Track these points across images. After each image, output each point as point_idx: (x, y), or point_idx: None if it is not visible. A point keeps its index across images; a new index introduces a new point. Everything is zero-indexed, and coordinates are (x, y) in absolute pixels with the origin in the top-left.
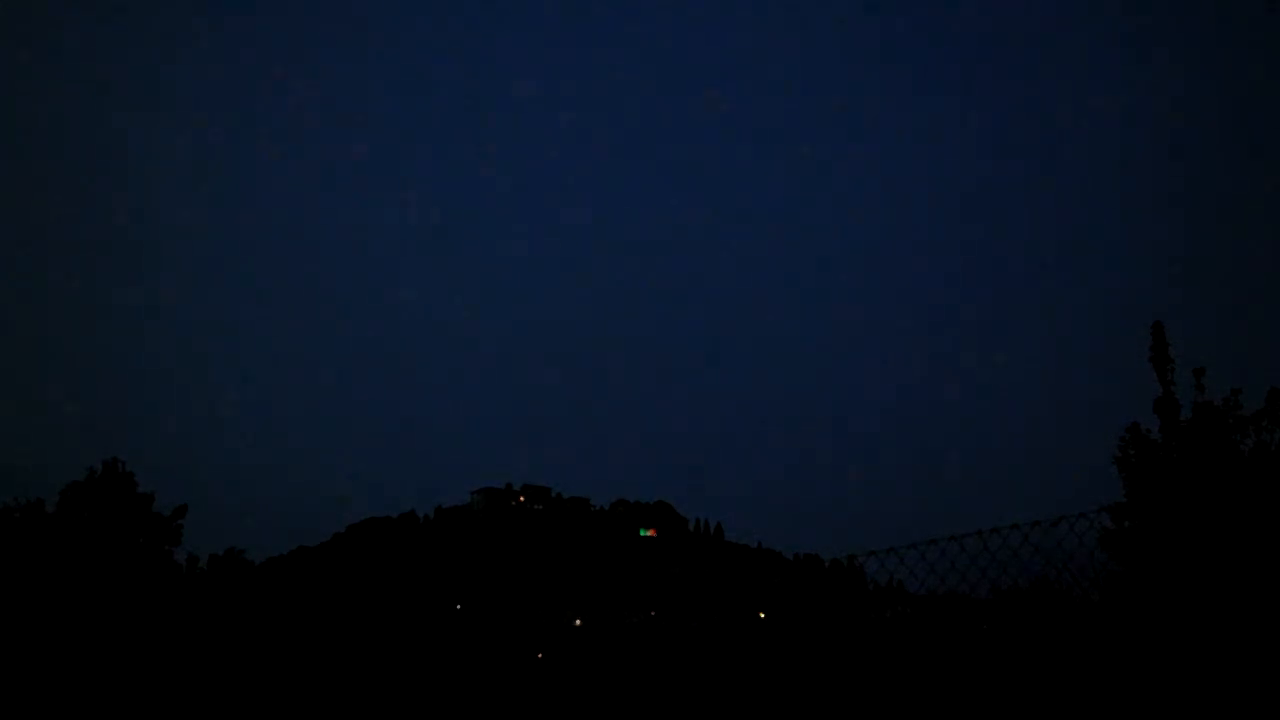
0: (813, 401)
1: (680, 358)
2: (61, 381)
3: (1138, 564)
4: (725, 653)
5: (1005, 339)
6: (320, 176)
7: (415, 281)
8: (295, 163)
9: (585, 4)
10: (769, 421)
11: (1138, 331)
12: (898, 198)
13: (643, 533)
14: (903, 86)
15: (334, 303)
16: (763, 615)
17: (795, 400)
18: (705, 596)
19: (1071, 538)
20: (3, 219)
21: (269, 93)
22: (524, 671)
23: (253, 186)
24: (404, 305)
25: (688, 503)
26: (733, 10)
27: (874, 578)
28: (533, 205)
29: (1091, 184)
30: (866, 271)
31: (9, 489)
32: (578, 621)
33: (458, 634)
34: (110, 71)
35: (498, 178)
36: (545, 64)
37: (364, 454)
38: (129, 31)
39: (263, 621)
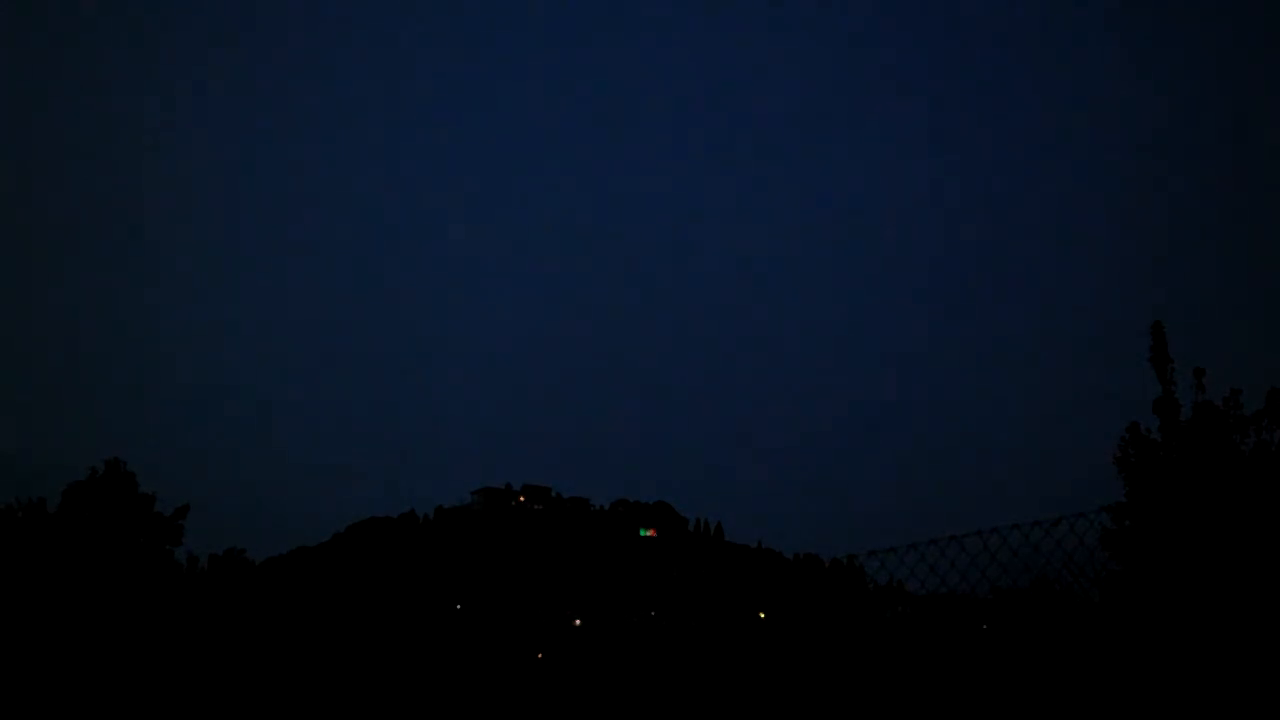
0: (813, 401)
1: (681, 358)
2: (63, 381)
3: (1138, 564)
4: (725, 653)
5: (1005, 338)
6: (322, 180)
7: (416, 283)
8: (298, 165)
9: (592, 17)
10: (769, 421)
11: (1138, 331)
12: (899, 197)
13: (643, 533)
14: (902, 86)
15: (335, 303)
16: (763, 615)
17: (795, 400)
18: (705, 596)
19: (1071, 538)
20: (7, 220)
21: (274, 100)
22: (524, 671)
23: (256, 190)
24: (405, 306)
25: (688, 503)
26: (736, 16)
27: (874, 578)
28: (535, 209)
29: (1092, 184)
30: (866, 273)
31: (11, 488)
32: (578, 621)
33: (458, 634)
34: (119, 77)
35: (500, 182)
36: (549, 69)
37: (364, 454)
38: (144, 41)
39: (263, 621)
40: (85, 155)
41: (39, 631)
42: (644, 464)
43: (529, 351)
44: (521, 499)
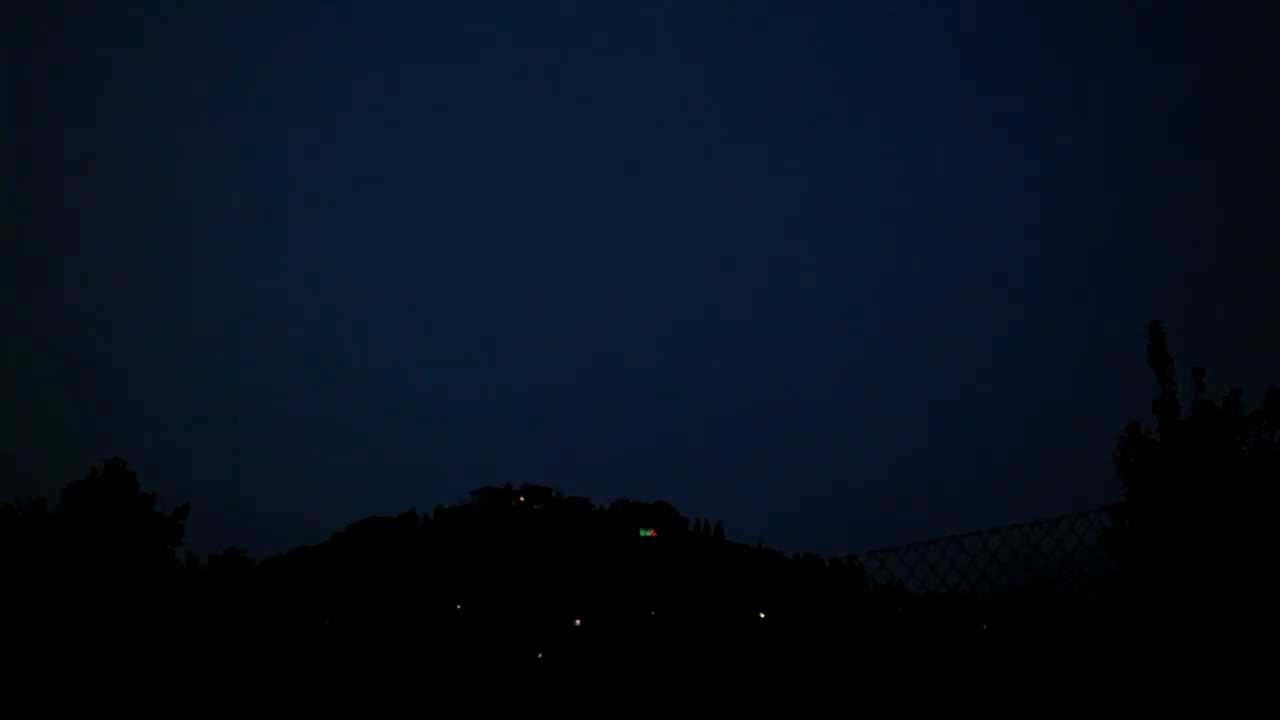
0: (813, 401)
1: (681, 358)
2: (63, 381)
3: (1138, 564)
4: (725, 653)
5: (1005, 338)
6: (321, 179)
7: (417, 283)
8: (298, 165)
9: (591, 17)
10: (769, 421)
11: (1138, 332)
12: (900, 200)
13: (643, 533)
14: (901, 85)
15: (335, 303)
16: (763, 615)
17: (795, 399)
18: (705, 596)
19: (1071, 538)
20: (8, 221)
21: (274, 99)
22: (524, 672)
23: (256, 189)
24: (406, 308)
25: (688, 503)
26: (735, 14)
27: (874, 578)
28: (534, 209)
29: (1091, 184)
30: (864, 271)
31: (11, 488)
32: (578, 621)
33: (458, 634)
34: (119, 77)
35: (500, 182)
36: (548, 69)
37: (364, 453)
38: (144, 41)
39: (263, 621)
40: (85, 155)
41: (39, 631)
42: (644, 464)
43: (529, 351)
44: (521, 499)
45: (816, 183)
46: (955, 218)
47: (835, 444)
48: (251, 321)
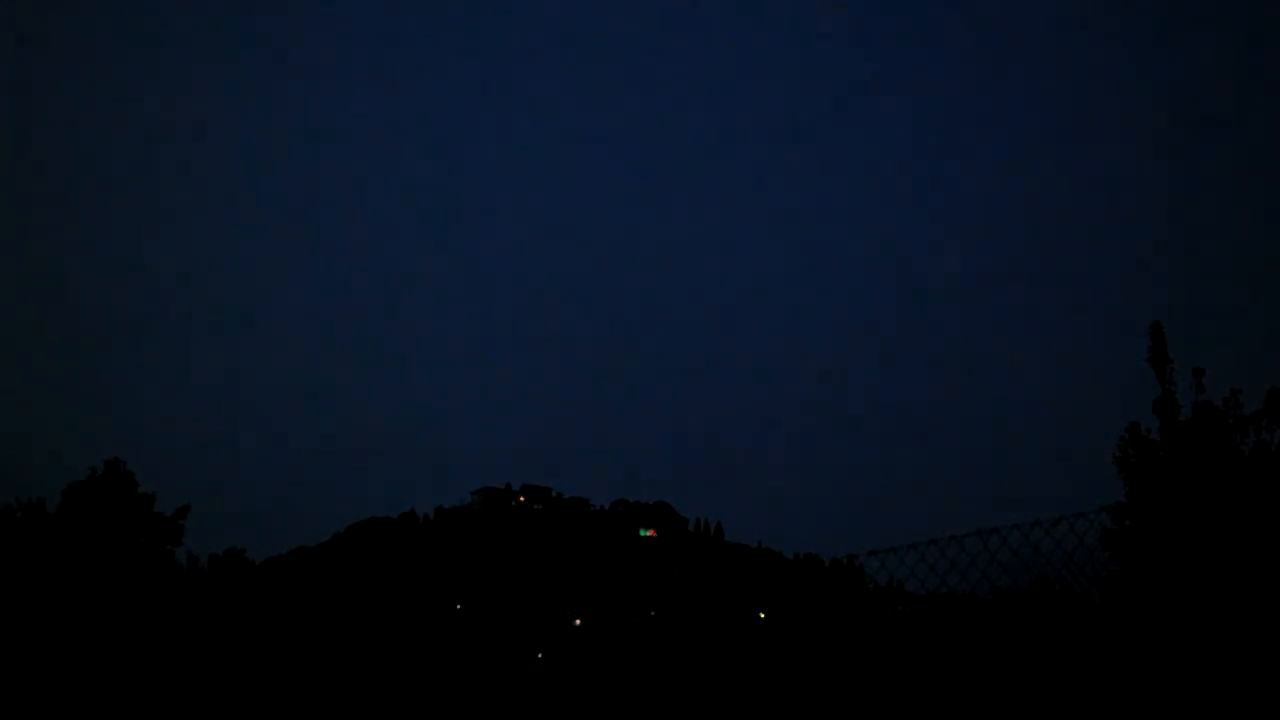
0: (813, 402)
1: (682, 358)
2: (63, 381)
3: (1138, 564)
4: (725, 653)
5: (1005, 338)
6: (322, 179)
7: (417, 284)
8: (298, 164)
9: (594, 18)
10: (768, 422)
11: (1138, 331)
12: (900, 200)
13: (643, 533)
14: (898, 86)
15: (335, 303)
16: (763, 615)
17: (795, 400)
18: (705, 596)
19: (1071, 538)
20: (9, 221)
21: (277, 98)
22: (524, 671)
23: (256, 189)
24: (406, 306)
25: (688, 503)
26: (735, 17)
27: (874, 578)
28: (535, 209)
29: (1091, 184)
30: (866, 272)
31: (11, 489)
32: (578, 621)
33: (458, 634)
34: (120, 77)
35: (500, 183)
36: (565, 67)
37: (364, 454)
38: (146, 41)
39: (263, 621)
40: (85, 156)
41: (39, 631)
42: (644, 464)
43: (529, 352)
44: (521, 499)
45: (816, 184)
46: (954, 218)
47: (835, 444)
48: (251, 322)
